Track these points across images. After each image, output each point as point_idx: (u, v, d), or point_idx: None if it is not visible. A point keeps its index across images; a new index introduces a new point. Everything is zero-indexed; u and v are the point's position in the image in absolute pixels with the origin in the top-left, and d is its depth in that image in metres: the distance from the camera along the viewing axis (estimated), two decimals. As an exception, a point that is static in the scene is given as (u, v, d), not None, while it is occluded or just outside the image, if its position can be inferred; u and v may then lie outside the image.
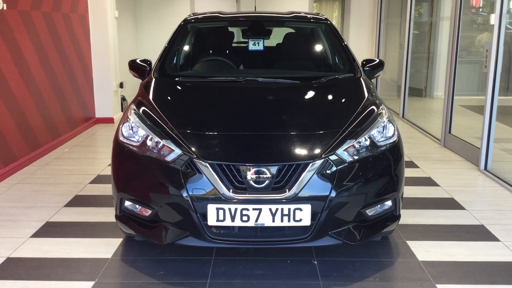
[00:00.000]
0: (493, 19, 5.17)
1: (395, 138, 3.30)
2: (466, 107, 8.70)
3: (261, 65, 4.44)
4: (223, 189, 2.93)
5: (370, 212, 3.14)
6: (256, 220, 2.95)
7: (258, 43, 4.39)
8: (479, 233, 3.85)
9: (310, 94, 3.70)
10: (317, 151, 3.01)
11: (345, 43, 4.38)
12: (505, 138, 6.79)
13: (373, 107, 3.44)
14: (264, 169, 2.94)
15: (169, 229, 3.07)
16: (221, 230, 3.02)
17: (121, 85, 8.38)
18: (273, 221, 2.95)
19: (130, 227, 3.26)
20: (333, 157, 3.02)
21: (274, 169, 2.94)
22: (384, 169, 3.17)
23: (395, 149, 3.28)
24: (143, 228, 3.19)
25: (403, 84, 8.64)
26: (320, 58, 4.65)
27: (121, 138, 3.29)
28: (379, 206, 3.18)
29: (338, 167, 3.01)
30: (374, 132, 3.23)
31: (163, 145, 3.11)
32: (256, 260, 3.37)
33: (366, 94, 3.60)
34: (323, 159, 2.99)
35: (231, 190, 2.93)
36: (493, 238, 3.75)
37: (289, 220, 2.95)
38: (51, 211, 4.25)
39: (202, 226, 2.98)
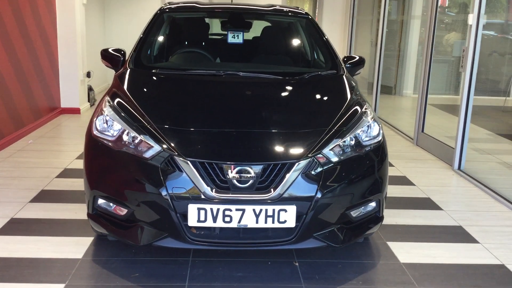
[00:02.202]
0: (471, 19, 5.17)
1: (380, 138, 3.23)
2: (434, 105, 8.77)
3: (240, 59, 4.30)
4: (204, 188, 2.79)
5: (354, 213, 3.06)
6: (239, 221, 2.82)
7: (237, 35, 4.25)
8: (458, 234, 3.82)
9: (294, 90, 3.59)
10: (303, 150, 2.90)
11: (326, 38, 4.29)
12: (476, 138, 6.84)
13: (358, 105, 3.36)
14: (248, 168, 2.81)
15: (146, 230, 2.91)
16: (202, 231, 2.89)
17: (88, 75, 8.10)
18: (257, 222, 2.83)
19: (104, 227, 3.09)
20: (319, 157, 2.92)
21: (258, 169, 2.82)
22: (369, 169, 3.10)
23: (380, 149, 3.21)
24: (118, 228, 3.03)
25: (375, 81, 8.63)
26: (301, 53, 4.54)
27: (95, 132, 3.11)
28: (363, 207, 3.10)
29: (324, 167, 2.91)
30: (359, 131, 3.15)
31: (141, 141, 2.95)
32: (235, 261, 3.25)
33: (350, 92, 3.51)
34: (309, 159, 2.88)
35: (213, 190, 2.79)
36: (472, 240, 3.73)
37: (273, 222, 2.84)
38: (16, 206, 4.02)
39: (182, 227, 2.84)
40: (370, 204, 3.14)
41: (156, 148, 2.89)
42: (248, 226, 2.84)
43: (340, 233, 3.01)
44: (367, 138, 3.16)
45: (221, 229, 2.88)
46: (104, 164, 3.05)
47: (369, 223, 3.18)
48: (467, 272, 3.24)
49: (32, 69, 6.57)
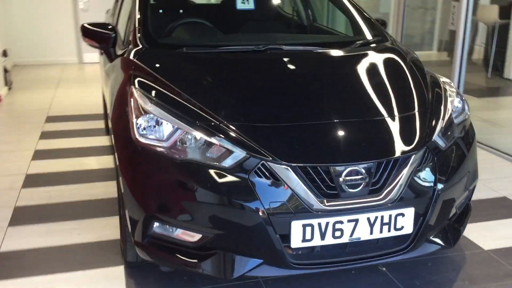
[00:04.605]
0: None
1: (467, 111, 2.80)
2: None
3: (261, 29, 3.59)
4: (311, 199, 2.20)
5: (457, 204, 2.63)
6: (351, 235, 2.28)
7: (247, 0, 3.56)
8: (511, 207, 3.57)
9: (360, 65, 2.92)
10: (416, 139, 2.39)
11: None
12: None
13: (435, 79, 2.89)
14: (360, 169, 2.25)
15: (232, 258, 2.26)
16: (299, 251, 2.30)
17: (4, 53, 6.84)
18: (371, 233, 2.30)
19: (162, 257, 2.39)
20: (431, 145, 2.43)
21: (372, 167, 2.27)
22: (469, 151, 2.66)
23: (470, 126, 2.80)
24: (186, 257, 2.33)
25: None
26: (310, 17, 3.95)
27: (140, 139, 2.34)
28: (464, 197, 2.68)
29: (437, 156, 2.43)
30: (452, 108, 2.70)
31: (211, 144, 2.26)
32: (313, 276, 2.70)
33: (420, 65, 3.01)
34: (424, 148, 2.38)
35: (323, 200, 2.20)
36: (530, 212, 3.49)
37: (389, 230, 2.32)
38: (-4, 235, 3.12)
39: (283, 250, 2.23)
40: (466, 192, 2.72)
41: (238, 153, 2.22)
42: (361, 239, 2.30)
43: (450, 230, 2.58)
44: (457, 115, 2.72)
45: (322, 246, 2.31)
46: (162, 179, 2.30)
47: (465, 214, 2.77)
48: (560, 252, 2.98)
49: None
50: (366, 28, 3.41)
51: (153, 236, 2.36)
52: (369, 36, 3.33)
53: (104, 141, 4.89)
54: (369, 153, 2.30)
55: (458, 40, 4.99)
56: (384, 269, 2.79)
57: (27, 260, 2.84)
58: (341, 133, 2.37)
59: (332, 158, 2.25)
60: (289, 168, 2.18)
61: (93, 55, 8.91)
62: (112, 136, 2.60)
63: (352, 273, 2.74)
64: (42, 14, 8.84)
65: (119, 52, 3.15)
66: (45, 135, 5.09)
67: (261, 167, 2.20)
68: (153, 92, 2.50)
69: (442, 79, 2.93)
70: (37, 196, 3.67)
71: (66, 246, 2.99)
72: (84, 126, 5.37)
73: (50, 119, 5.66)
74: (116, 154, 2.51)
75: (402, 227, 2.33)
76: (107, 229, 3.17)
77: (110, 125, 2.78)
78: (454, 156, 2.53)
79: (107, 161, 4.35)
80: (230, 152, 2.23)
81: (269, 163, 2.19)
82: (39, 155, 4.54)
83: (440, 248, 2.53)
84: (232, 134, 2.27)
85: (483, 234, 3.17)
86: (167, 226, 2.33)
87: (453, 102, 2.73)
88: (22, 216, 3.36)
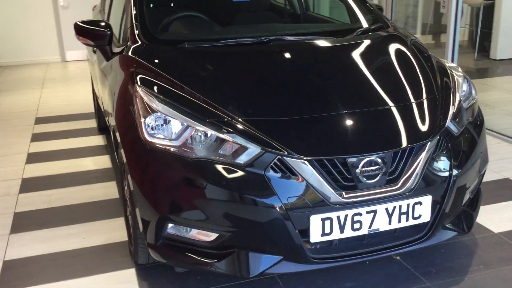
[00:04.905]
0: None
1: (475, 95, 2.78)
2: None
3: (257, 20, 3.49)
4: (329, 192, 2.16)
5: (471, 189, 2.61)
6: (370, 226, 2.25)
7: (244, -8, 3.49)
8: (514, 188, 3.58)
9: (366, 54, 2.88)
10: (430, 125, 2.36)
11: None
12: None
13: (441, 64, 2.87)
14: (377, 159, 2.21)
15: (249, 256, 2.22)
16: (317, 245, 2.26)
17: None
18: (390, 223, 2.27)
19: (179, 259, 2.33)
20: (444, 131, 2.40)
21: (388, 157, 2.24)
22: (479, 135, 2.64)
23: (479, 109, 2.78)
24: (203, 257, 2.28)
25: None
26: (303, 5, 3.89)
27: (149, 138, 2.28)
28: (477, 181, 2.66)
29: (452, 143, 2.41)
30: (460, 92, 2.67)
31: (223, 141, 2.21)
32: (329, 269, 2.67)
33: (425, 51, 2.98)
34: (439, 135, 2.36)
35: (341, 193, 2.17)
36: (536, 193, 3.50)
37: (407, 219, 2.30)
38: (-2, 243, 3.03)
39: (302, 245, 2.19)
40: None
41: (253, 149, 2.17)
42: (380, 230, 2.27)
43: (464, 216, 2.57)
44: (466, 99, 2.70)
45: (341, 239, 2.27)
46: (175, 179, 2.24)
47: (476, 198, 2.76)
48: None
49: None
50: (365, 14, 3.36)
51: (167, 238, 2.31)
52: (370, 22, 3.28)
53: (97, 140, 4.79)
54: (385, 143, 2.26)
55: (450, 23, 4.98)
56: (398, 258, 2.77)
57: (33, 268, 2.77)
58: (355, 123, 2.32)
59: (348, 149, 2.21)
60: (305, 161, 2.14)
61: (76, 53, 8.77)
62: (118, 136, 2.53)
63: (367, 264, 2.72)
64: (21, 13, 8.63)
65: (116, 49, 3.07)
66: (36, 137, 4.98)
67: (277, 162, 2.15)
68: (159, 90, 2.43)
69: (448, 63, 2.91)
70: (36, 200, 3.58)
71: (73, 251, 2.92)
72: (75, 126, 5.26)
73: (39, 121, 5.54)
74: (123, 154, 2.44)
75: (420, 215, 2.31)
76: (113, 231, 3.10)
77: (113, 124, 2.71)
78: (467, 141, 2.51)
79: (103, 161, 4.26)
80: (244, 148, 2.18)
81: (285, 157, 2.15)
82: (32, 158, 4.43)
83: (456, 235, 2.51)
84: (245, 129, 2.21)
85: (491, 217, 3.17)
86: (182, 227, 2.27)
87: (461, 86, 2.71)
88: (23, 222, 3.28)
